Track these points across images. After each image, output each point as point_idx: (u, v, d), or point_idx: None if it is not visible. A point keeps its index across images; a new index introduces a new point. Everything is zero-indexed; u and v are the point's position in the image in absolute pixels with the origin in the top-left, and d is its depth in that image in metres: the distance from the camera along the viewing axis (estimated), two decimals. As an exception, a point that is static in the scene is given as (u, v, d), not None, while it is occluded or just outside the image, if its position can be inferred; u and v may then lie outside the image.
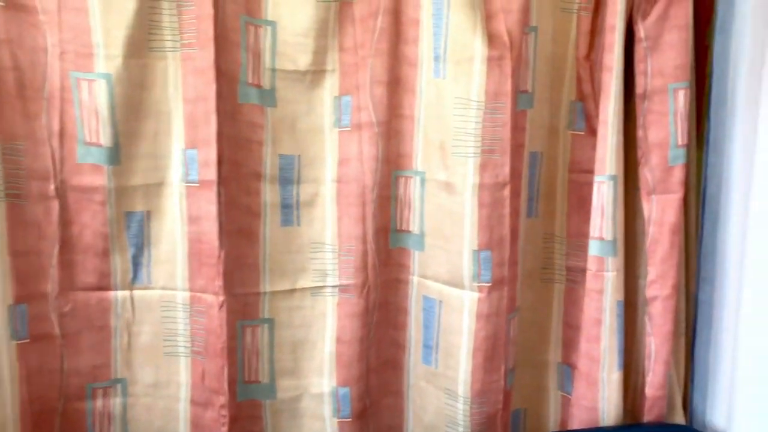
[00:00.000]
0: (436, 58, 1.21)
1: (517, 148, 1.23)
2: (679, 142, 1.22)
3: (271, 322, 1.27)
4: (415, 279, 1.31)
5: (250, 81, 1.20)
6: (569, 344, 1.37)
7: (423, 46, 1.23)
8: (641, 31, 1.21)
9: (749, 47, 1.20)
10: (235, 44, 1.18)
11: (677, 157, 1.23)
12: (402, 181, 1.29)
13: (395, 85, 1.24)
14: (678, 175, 1.23)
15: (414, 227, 1.29)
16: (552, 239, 1.36)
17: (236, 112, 1.20)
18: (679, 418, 1.31)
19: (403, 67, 1.24)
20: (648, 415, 1.27)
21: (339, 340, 1.27)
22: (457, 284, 1.23)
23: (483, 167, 1.19)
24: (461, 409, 1.24)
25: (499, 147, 1.19)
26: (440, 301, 1.26)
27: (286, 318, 1.28)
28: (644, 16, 1.20)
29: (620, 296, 1.25)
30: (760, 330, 1.17)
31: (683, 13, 1.18)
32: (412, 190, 1.29)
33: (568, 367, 1.38)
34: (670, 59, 1.20)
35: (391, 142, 1.26)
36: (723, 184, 1.28)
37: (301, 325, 1.29)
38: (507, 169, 1.19)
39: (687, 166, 1.24)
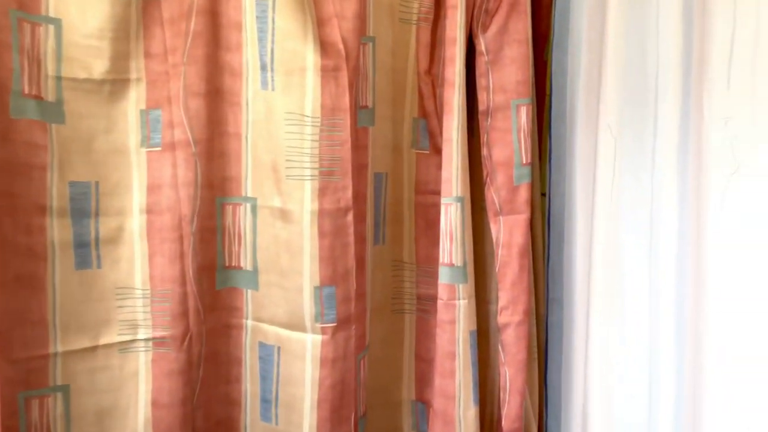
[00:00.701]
0: (263, 68, 1.05)
1: (359, 169, 1.11)
2: (524, 161, 1.17)
3: (65, 389, 1.02)
4: (248, 323, 1.13)
5: (26, 91, 0.96)
6: (422, 379, 1.27)
7: (247, 54, 1.06)
8: (482, 44, 1.15)
9: (585, 64, 1.19)
10: (4, 46, 0.94)
11: (522, 176, 1.18)
12: (229, 209, 1.11)
13: (215, 97, 1.07)
14: (524, 194, 1.18)
15: (245, 263, 1.11)
16: (401, 266, 1.25)
17: (8, 131, 0.95)
18: (536, 448, 1.25)
19: (225, 76, 1.07)
20: (507, 449, 1.19)
21: (155, 404, 1.05)
22: (298, 327, 1.07)
23: (322, 191, 1.04)
24: (310, 471, 1.08)
25: (340, 168, 1.06)
26: (279, 347, 1.10)
27: (86, 383, 1.04)
28: (484, 29, 1.15)
29: (473, 326, 1.17)
30: (607, 351, 1.15)
31: (522, 27, 1.14)
32: (242, 219, 1.11)
33: (422, 404, 1.27)
34: (511, 74, 1.15)
35: (213, 164, 1.08)
36: (566, 202, 1.25)
37: (108, 390, 1.05)
38: (349, 193, 1.06)
39: (532, 185, 1.20)
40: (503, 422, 1.19)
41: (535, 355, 1.27)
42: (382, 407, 1.25)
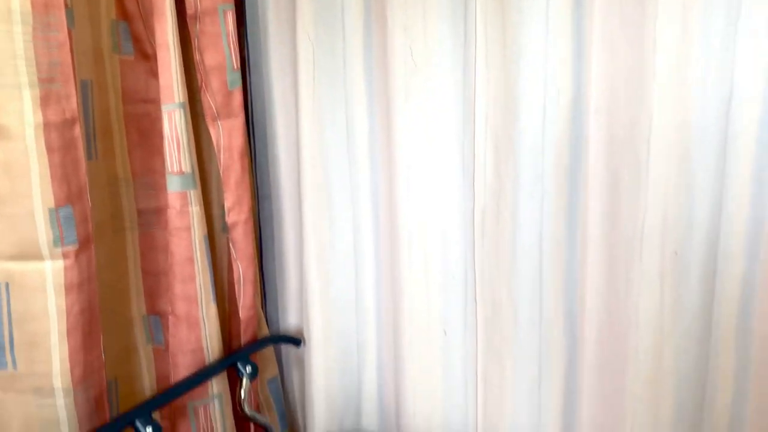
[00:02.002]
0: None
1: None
2: (235, 66, 1.22)
3: None
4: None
5: None
6: (152, 293, 1.26)
7: None
8: (182, -56, 1.13)
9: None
10: None
11: (234, 81, 1.23)
12: None
13: None
14: (237, 98, 1.24)
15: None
16: (117, 182, 1.19)
17: None
18: (265, 330, 1.39)
19: None
20: (244, 336, 1.30)
21: None
22: (32, 256, 0.95)
23: (44, 101, 0.92)
24: (63, 404, 1.00)
25: (60, 74, 0.94)
26: (7, 284, 0.96)
27: None
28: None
29: (205, 230, 1.21)
30: (319, 239, 1.33)
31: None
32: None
33: (155, 316, 1.27)
34: (215, -22, 1.16)
35: None
36: (267, 104, 1.35)
37: None
38: (74, 102, 0.96)
39: (241, 90, 1.26)
40: (240, 312, 1.28)
41: (256, 249, 1.37)
42: (113, 327, 1.20)
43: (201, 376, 1.17)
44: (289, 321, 1.45)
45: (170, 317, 1.20)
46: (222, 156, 1.22)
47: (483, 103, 1.14)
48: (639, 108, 1.01)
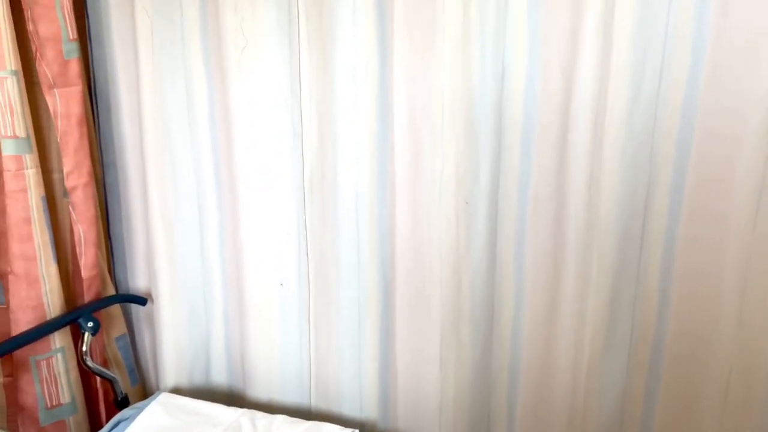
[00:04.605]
0: None
1: None
2: (71, 37, 1.28)
3: None
4: None
5: None
6: (-10, 254, 1.30)
7: None
8: None
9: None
10: None
11: (71, 51, 1.29)
12: None
13: None
14: (75, 68, 1.30)
15: None
16: (-51, 146, 1.22)
17: None
18: (111, 290, 1.47)
19: None
20: (88, 295, 1.38)
21: None
22: None
23: None
24: None
25: None
26: None
27: None
28: None
29: (43, 192, 1.27)
30: (164, 201, 1.42)
31: None
32: None
33: (-6, 277, 1.32)
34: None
35: None
36: (109, 75, 1.42)
37: None
38: None
39: (80, 60, 1.32)
40: (83, 272, 1.36)
41: (98, 213, 1.44)
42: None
43: (40, 330, 1.24)
44: (138, 282, 1.53)
45: (9, 276, 1.26)
46: (59, 123, 1.28)
47: (306, 77, 1.27)
48: (432, 82, 1.18)
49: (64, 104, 1.28)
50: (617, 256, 1.14)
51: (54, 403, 1.32)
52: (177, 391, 1.48)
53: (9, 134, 1.19)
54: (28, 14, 1.22)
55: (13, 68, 1.17)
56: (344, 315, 1.36)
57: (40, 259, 1.26)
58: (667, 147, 1.08)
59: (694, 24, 1.02)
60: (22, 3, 1.21)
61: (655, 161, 1.09)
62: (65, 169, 1.30)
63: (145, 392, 1.58)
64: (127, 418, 1.27)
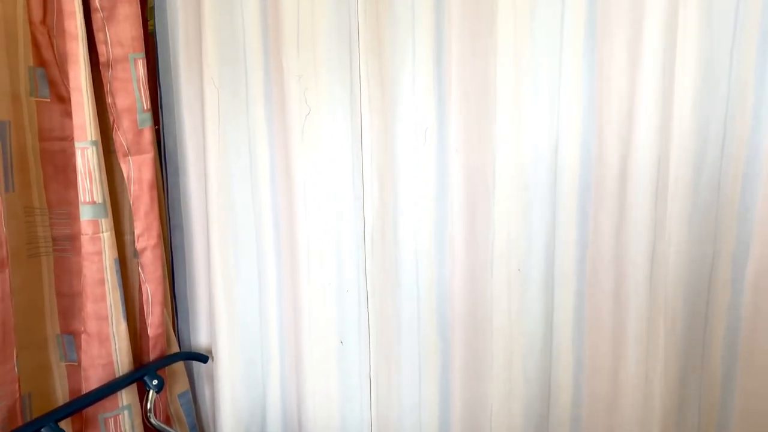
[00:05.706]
0: None
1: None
2: (145, 107, 1.36)
3: None
4: None
5: None
6: (66, 313, 1.37)
7: None
8: (96, 1, 1.27)
9: (182, 26, 1.43)
10: None
11: (145, 121, 1.37)
12: None
13: None
14: (147, 136, 1.37)
15: None
16: (33, 212, 1.30)
17: None
18: (175, 347, 1.51)
19: None
20: (153, 353, 1.42)
21: None
22: (-52, 277, 1.06)
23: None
24: (-24, 414, 1.10)
25: (-22, 116, 1.07)
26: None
27: None
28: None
29: (116, 254, 1.33)
30: (225, 263, 1.46)
31: (131, -13, 1.31)
32: None
33: (69, 335, 1.37)
34: (126, 30, 1.30)
35: None
36: (178, 141, 1.49)
37: None
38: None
39: (152, 128, 1.40)
40: (149, 330, 1.40)
41: (165, 273, 1.50)
42: (28, 347, 1.30)
43: (108, 388, 1.28)
44: (200, 340, 1.57)
45: (83, 335, 1.31)
46: (132, 188, 1.35)
47: (368, 141, 1.31)
48: (487, 147, 1.21)
49: (137, 170, 1.35)
50: (684, 334, 1.10)
51: (119, 461, 1.35)
52: (236, 448, 1.50)
53: (88, 200, 1.26)
54: (107, 88, 1.31)
55: (93, 138, 1.25)
56: (404, 373, 1.37)
57: (112, 318, 1.31)
58: (730, 216, 1.06)
59: (756, 82, 1.02)
60: (102, 77, 1.30)
61: (719, 231, 1.07)
62: (136, 232, 1.37)
63: (205, 449, 1.60)
64: (189, 477, 1.29)
